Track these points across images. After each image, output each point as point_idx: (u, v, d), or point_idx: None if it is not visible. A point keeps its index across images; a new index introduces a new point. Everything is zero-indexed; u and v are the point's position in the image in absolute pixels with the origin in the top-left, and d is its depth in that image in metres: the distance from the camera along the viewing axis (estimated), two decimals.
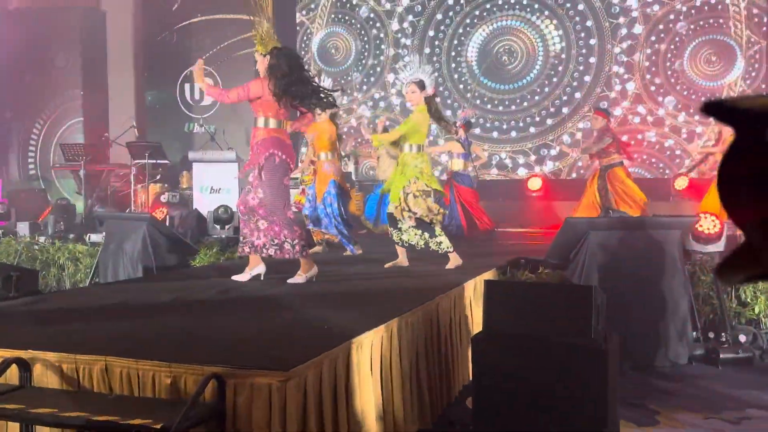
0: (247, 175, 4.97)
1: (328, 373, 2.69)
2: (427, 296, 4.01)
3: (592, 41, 11.32)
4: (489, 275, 5.14)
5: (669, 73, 10.96)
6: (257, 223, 4.65)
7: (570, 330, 3.33)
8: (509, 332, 3.43)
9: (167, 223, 7.95)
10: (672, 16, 10.95)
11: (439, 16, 12.11)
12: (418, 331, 3.64)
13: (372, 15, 12.46)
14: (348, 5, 12.54)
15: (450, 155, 8.92)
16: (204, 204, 8.93)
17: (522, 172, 11.60)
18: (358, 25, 12.49)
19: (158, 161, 10.23)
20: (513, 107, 11.71)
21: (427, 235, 5.53)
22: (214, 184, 9.33)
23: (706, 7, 10.75)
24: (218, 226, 7.95)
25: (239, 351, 2.85)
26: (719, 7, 10.63)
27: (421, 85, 5.46)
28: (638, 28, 11.08)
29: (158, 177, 10.28)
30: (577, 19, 11.40)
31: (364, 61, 12.50)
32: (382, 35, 12.41)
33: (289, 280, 4.69)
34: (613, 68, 11.20)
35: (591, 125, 8.46)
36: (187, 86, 12.42)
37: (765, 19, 10.45)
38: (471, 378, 3.64)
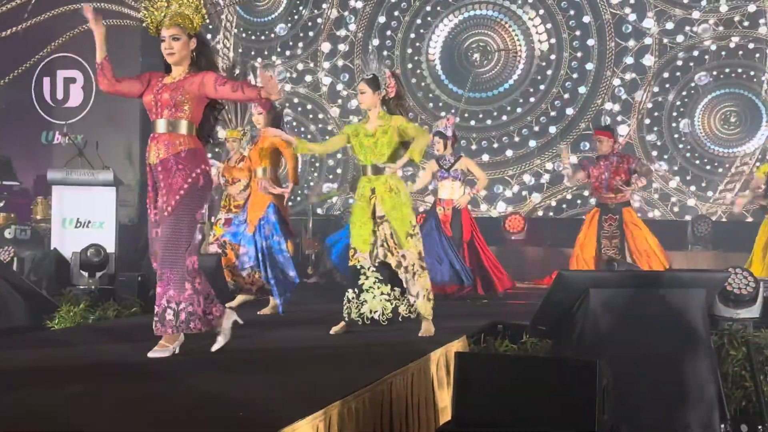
0: None
1: None
2: (378, 372, 4.01)
3: (590, 41, 11.66)
4: (458, 345, 5.18)
5: (673, 125, 11.29)
6: (195, 282, 4.51)
7: (566, 419, 3.38)
8: (486, 422, 3.45)
9: (14, 269, 7.76)
10: (696, 53, 11.26)
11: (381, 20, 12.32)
12: (364, 420, 3.63)
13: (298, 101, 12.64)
14: None
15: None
16: (67, 243, 8.74)
17: (500, 208, 11.78)
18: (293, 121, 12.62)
19: (3, 182, 10.01)
20: (489, 121, 11.92)
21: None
22: (82, 216, 9.15)
23: (741, 52, 11.14)
24: (86, 274, 7.80)
25: None
26: (757, 55, 11.04)
27: (374, 83, 5.57)
28: (648, 59, 11.43)
29: (2, 204, 10.05)
30: (572, 12, 11.73)
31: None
32: (321, 116, 12.53)
33: (150, 353, 4.52)
34: (606, 104, 11.53)
35: (598, 149, 8.63)
36: (46, 80, 12.25)
37: None
38: None
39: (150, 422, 3.17)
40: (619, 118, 11.57)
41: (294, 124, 12.49)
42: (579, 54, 11.71)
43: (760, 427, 5.44)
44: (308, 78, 12.54)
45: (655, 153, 11.32)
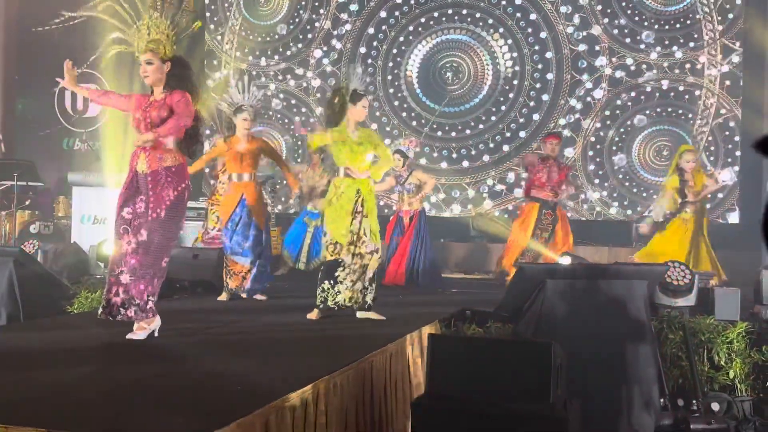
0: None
1: None
2: (359, 352, 4.02)
3: (549, 76, 11.68)
4: (430, 329, 5.19)
5: (613, 158, 11.37)
6: (119, 276, 4.44)
7: (526, 394, 3.39)
8: (456, 396, 3.46)
9: (39, 260, 7.71)
10: (635, 93, 11.28)
11: (370, 31, 12.31)
12: (348, 394, 3.63)
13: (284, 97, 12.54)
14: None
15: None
16: (85, 237, 8.72)
17: (457, 210, 11.81)
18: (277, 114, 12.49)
19: (29, 183, 9.94)
20: (454, 133, 11.93)
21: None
22: (99, 214, 9.11)
23: (672, 94, 11.18)
24: (102, 264, 7.76)
25: (131, 417, 2.78)
26: (686, 96, 11.14)
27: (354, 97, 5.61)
28: (598, 93, 11.49)
29: (28, 203, 9.98)
30: (536, 48, 11.75)
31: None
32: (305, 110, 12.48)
33: (129, 335, 4.46)
34: (560, 121, 11.60)
35: (544, 150, 8.63)
36: (67, 94, 12.16)
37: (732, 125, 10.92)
38: None
39: (157, 396, 3.16)
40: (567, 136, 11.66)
41: (278, 116, 12.45)
42: (538, 85, 11.74)
43: (694, 401, 5.47)
44: (292, 83, 12.48)
45: (597, 180, 11.40)
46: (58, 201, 10.38)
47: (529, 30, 11.73)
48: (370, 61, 12.17)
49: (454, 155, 11.89)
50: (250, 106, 6.67)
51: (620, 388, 5.26)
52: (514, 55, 11.79)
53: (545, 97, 11.67)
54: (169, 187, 4.43)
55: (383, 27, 12.24)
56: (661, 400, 5.48)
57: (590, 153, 11.46)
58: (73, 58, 4.98)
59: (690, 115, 11.09)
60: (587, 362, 5.12)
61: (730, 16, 10.98)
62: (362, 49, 12.24)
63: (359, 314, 5.55)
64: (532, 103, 11.69)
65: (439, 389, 3.51)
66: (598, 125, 11.40)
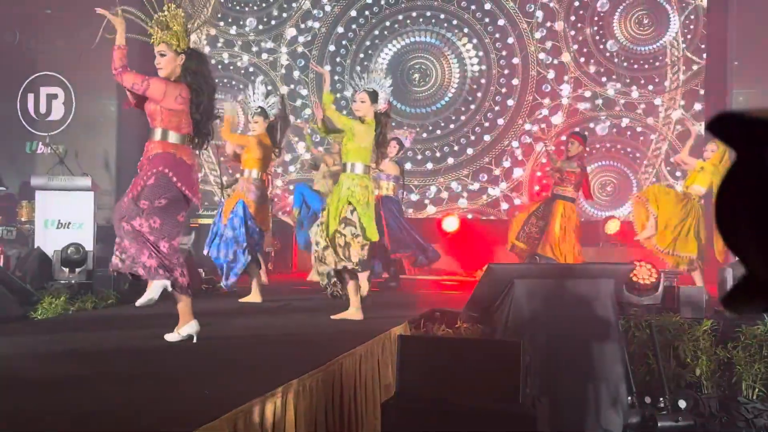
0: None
1: None
2: (329, 355, 4.00)
3: (515, 60, 11.78)
4: (400, 330, 5.18)
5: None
6: (146, 244, 4.37)
7: (495, 393, 3.40)
8: (426, 396, 3.46)
9: (1, 265, 7.58)
10: (593, 125, 11.49)
11: (340, 29, 12.30)
12: (317, 397, 3.61)
13: (253, 70, 12.51)
14: (220, 67, 12.48)
15: (379, 176, 8.77)
16: (49, 242, 8.55)
17: (431, 210, 11.84)
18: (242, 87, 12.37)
19: None
20: (425, 134, 11.97)
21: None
22: (63, 218, 8.97)
23: (629, 133, 11.44)
24: (66, 269, 7.65)
25: (95, 424, 2.73)
26: (641, 138, 11.39)
27: (374, 96, 5.55)
28: (557, 118, 11.66)
29: None
30: (497, 35, 11.84)
31: None
32: (270, 87, 12.35)
33: (167, 336, 4.50)
34: (513, 143, 11.71)
35: (568, 151, 8.58)
36: (30, 96, 11.99)
37: None
38: None
39: (122, 402, 3.11)
40: (519, 158, 11.79)
41: (240, 87, 12.37)
42: (506, 71, 11.82)
43: (661, 398, 5.53)
44: (265, 56, 12.42)
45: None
46: (21, 205, 10.20)
47: (497, 35, 11.82)
48: (338, 59, 12.17)
49: (419, 156, 11.94)
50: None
51: (588, 387, 5.31)
52: (480, 53, 11.86)
53: (510, 102, 11.77)
54: (143, 173, 4.41)
55: (353, 26, 12.26)
56: (629, 398, 5.54)
57: (538, 174, 11.59)
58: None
59: (638, 155, 11.27)
60: (555, 361, 5.16)
61: (695, 67, 11.23)
62: (339, 29, 12.24)
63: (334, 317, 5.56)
64: (486, 125, 11.80)
65: (410, 390, 3.50)
66: (552, 148, 11.55)
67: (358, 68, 12.07)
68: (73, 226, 8.89)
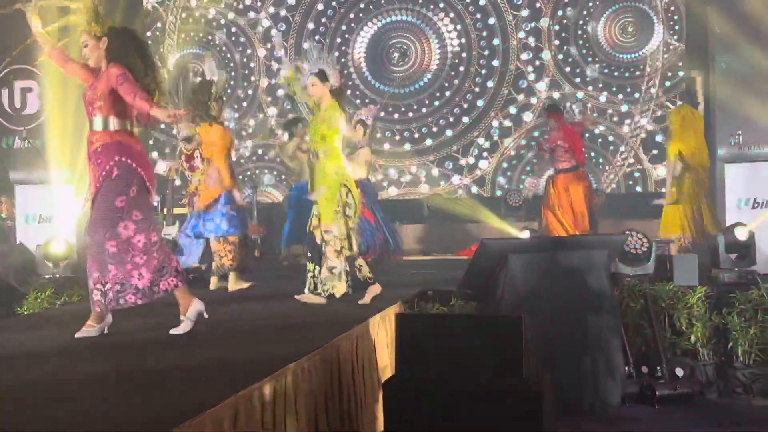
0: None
1: None
2: (325, 337, 3.94)
3: (495, 41, 11.72)
4: (394, 310, 5.13)
5: (522, 176, 11.55)
6: (133, 260, 4.21)
7: (498, 369, 3.35)
8: (427, 375, 3.41)
9: None
10: None
11: (320, 6, 12.19)
12: (316, 380, 3.56)
13: (235, 30, 12.44)
14: (203, 20, 12.44)
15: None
16: (30, 237, 8.46)
17: (424, 189, 11.81)
18: (222, 46, 12.44)
19: None
20: (410, 114, 11.90)
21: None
22: (44, 212, 8.85)
23: (600, 140, 11.40)
24: (50, 264, 7.56)
25: (98, 413, 2.70)
26: (611, 147, 11.36)
27: (323, 76, 5.45)
28: (528, 116, 11.66)
29: None
30: (478, 15, 11.78)
31: (231, 91, 12.37)
32: (249, 51, 12.38)
33: (77, 334, 4.30)
34: (479, 138, 11.68)
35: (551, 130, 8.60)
36: (4, 91, 11.79)
37: None
38: None
39: (123, 391, 3.06)
40: (484, 154, 11.79)
41: (223, 49, 12.40)
42: (486, 52, 11.77)
43: (658, 367, 5.52)
44: (251, 14, 12.35)
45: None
46: (1, 201, 10.06)
47: (478, 15, 11.75)
48: (317, 37, 12.07)
49: (398, 137, 11.89)
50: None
51: (585, 359, 5.29)
52: (462, 41, 11.83)
53: (490, 84, 11.74)
54: (96, 170, 4.24)
55: (332, 3, 12.15)
56: (626, 368, 5.53)
57: (504, 165, 11.60)
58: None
59: (601, 160, 11.29)
60: (552, 335, 5.12)
61: (667, 84, 11.21)
62: (319, 6, 12.17)
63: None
64: (465, 106, 11.78)
65: (409, 369, 3.45)
66: (523, 142, 11.57)
67: (338, 40, 11.97)
68: (55, 219, 8.78)
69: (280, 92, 12.01)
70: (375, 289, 5.50)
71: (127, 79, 4.19)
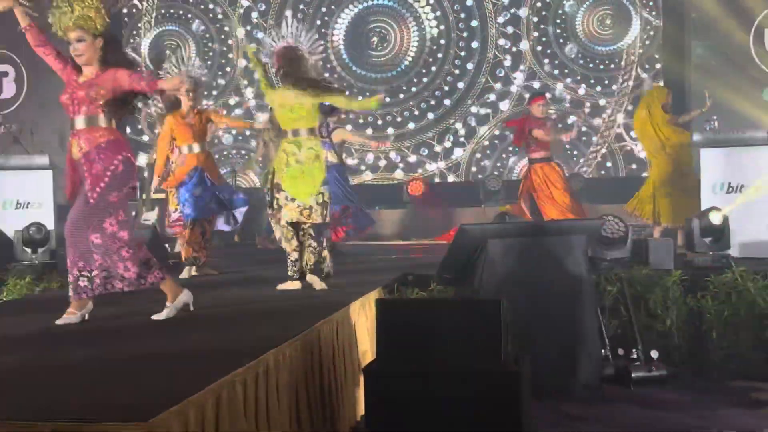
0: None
1: (195, 421, 2.58)
2: (305, 322, 3.97)
3: (474, 23, 11.75)
4: (374, 295, 5.17)
5: (497, 164, 11.66)
6: (120, 251, 4.23)
7: (477, 352, 3.40)
8: (407, 359, 3.45)
9: None
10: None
11: None
12: (297, 365, 3.59)
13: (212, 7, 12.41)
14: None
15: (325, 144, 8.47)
16: (8, 223, 8.39)
17: (399, 174, 11.83)
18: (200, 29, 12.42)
19: None
20: (389, 98, 11.92)
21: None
22: (21, 198, 8.79)
23: (584, 137, 11.52)
24: (29, 250, 7.52)
25: (83, 399, 2.69)
26: (584, 138, 11.48)
27: None
28: (504, 104, 11.72)
29: None
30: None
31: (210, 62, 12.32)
32: (227, 28, 12.32)
33: (58, 321, 4.30)
34: (456, 124, 11.75)
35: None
36: None
37: None
38: (363, 417, 3.62)
39: (103, 378, 3.07)
40: (461, 140, 11.87)
41: (201, 29, 12.42)
42: (465, 34, 11.79)
43: (634, 350, 5.61)
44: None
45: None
46: None
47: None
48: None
49: (380, 122, 11.91)
50: (189, 77, 6.44)
51: (564, 343, 5.35)
52: (441, 28, 11.85)
53: (470, 66, 11.77)
54: (101, 164, 4.22)
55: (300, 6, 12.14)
56: (603, 351, 5.61)
57: (478, 155, 11.66)
58: None
59: (575, 152, 11.33)
60: (530, 318, 5.18)
61: (644, 75, 11.26)
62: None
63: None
64: (457, 71, 11.78)
65: (390, 354, 3.49)
66: (497, 132, 11.61)
67: (318, 22, 11.93)
68: (33, 205, 8.71)
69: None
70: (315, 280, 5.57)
71: (133, 73, 4.25)
